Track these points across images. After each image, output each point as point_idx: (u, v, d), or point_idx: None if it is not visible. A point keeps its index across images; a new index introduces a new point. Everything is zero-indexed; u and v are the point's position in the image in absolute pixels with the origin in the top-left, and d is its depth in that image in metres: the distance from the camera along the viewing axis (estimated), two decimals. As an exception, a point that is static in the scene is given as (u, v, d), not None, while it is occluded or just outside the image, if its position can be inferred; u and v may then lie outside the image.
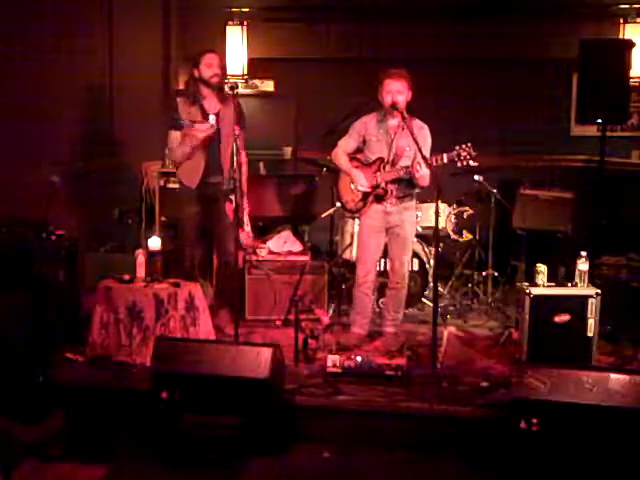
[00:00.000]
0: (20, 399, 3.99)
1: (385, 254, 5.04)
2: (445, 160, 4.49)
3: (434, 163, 4.51)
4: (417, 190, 4.87)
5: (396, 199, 4.80)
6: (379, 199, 4.81)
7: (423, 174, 4.57)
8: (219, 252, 5.10)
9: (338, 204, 5.20)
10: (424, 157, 4.49)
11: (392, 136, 4.75)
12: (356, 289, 4.97)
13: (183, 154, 4.81)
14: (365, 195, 4.83)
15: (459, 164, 4.50)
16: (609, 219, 5.94)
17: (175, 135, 4.82)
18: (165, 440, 3.83)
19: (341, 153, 4.88)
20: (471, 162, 4.49)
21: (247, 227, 5.00)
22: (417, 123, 4.69)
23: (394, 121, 4.74)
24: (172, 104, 4.88)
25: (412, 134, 4.49)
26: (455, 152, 4.48)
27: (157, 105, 7.17)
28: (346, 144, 4.88)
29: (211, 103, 4.82)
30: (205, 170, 4.82)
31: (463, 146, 4.47)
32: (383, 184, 4.76)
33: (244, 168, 4.99)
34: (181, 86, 7.38)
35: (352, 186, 4.88)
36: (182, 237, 5.06)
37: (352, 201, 4.90)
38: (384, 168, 4.77)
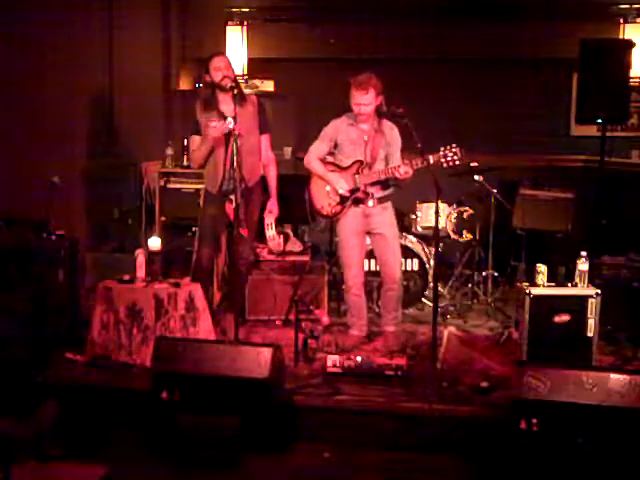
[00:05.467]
0: (20, 399, 3.99)
1: (371, 254, 5.05)
2: (431, 161, 4.45)
3: (419, 165, 4.48)
4: (392, 189, 4.85)
5: (375, 200, 4.79)
6: (358, 202, 4.79)
7: (408, 175, 4.56)
8: (233, 257, 5.07)
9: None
10: (411, 160, 4.50)
11: (366, 139, 4.74)
12: (347, 292, 4.94)
13: (200, 156, 4.83)
14: (343, 199, 4.80)
15: (445, 165, 4.46)
16: (609, 219, 5.94)
17: (196, 139, 4.85)
18: (165, 440, 3.83)
19: (314, 158, 4.84)
20: (457, 162, 4.46)
21: (272, 231, 4.98)
22: (387, 124, 4.69)
23: (365, 125, 4.73)
24: (192, 110, 4.89)
25: (386, 136, 4.55)
26: (441, 153, 4.44)
27: (157, 105, 7.19)
28: (318, 149, 4.84)
29: (228, 106, 4.76)
30: (223, 174, 4.83)
31: (448, 147, 4.43)
32: (363, 187, 4.76)
33: (274, 170, 5.02)
34: (182, 86, 7.43)
35: (327, 189, 4.82)
36: (200, 240, 5.07)
37: (329, 205, 4.84)
38: (362, 171, 4.75)
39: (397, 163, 4.67)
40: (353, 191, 4.76)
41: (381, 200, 4.81)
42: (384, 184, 4.77)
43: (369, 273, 5.24)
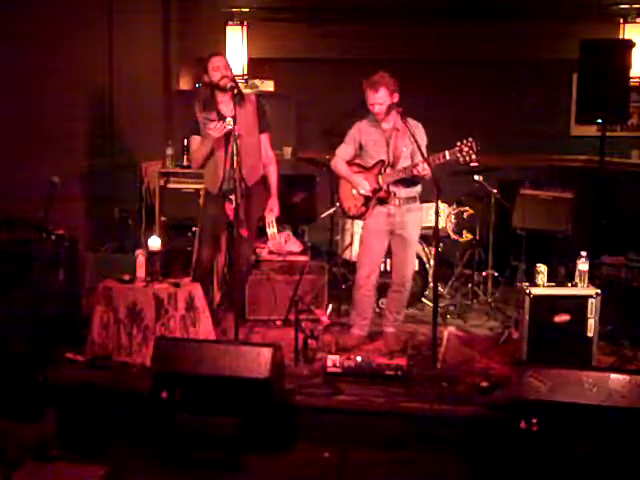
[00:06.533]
0: (20, 399, 3.99)
1: (387, 255, 5.04)
2: (447, 157, 4.47)
3: (436, 162, 4.49)
4: (419, 189, 4.86)
5: (400, 200, 4.79)
6: (382, 202, 4.80)
7: (426, 172, 4.56)
8: (233, 257, 5.07)
9: (338, 205, 5.19)
10: (425, 159, 4.48)
11: (388, 139, 4.75)
12: (357, 291, 4.95)
13: (200, 156, 4.82)
14: (367, 199, 4.82)
15: (461, 160, 4.47)
16: (609, 219, 5.94)
17: (196, 140, 4.84)
18: (165, 440, 3.83)
19: (340, 161, 4.89)
20: (473, 156, 4.45)
21: (273, 229, 4.99)
22: (411, 122, 4.68)
23: (387, 124, 4.74)
24: (191, 110, 4.89)
25: (413, 135, 4.49)
26: (457, 148, 4.44)
27: (157, 105, 7.19)
28: (344, 152, 4.88)
29: (227, 106, 4.76)
30: (224, 174, 4.83)
31: (465, 141, 4.43)
32: (385, 186, 4.76)
33: (274, 169, 5.02)
34: (182, 86, 7.43)
35: (354, 192, 4.87)
36: (200, 240, 5.07)
37: (354, 207, 4.89)
38: (385, 170, 4.77)
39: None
40: (376, 191, 4.77)
41: (407, 201, 4.80)
42: (408, 183, 4.76)
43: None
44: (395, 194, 4.77)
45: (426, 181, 4.68)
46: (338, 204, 5.10)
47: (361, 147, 4.84)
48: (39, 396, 4.05)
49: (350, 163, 4.89)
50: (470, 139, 4.44)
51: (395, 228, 4.83)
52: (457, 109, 6.93)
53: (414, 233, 4.91)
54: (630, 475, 3.43)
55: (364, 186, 4.79)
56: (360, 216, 4.92)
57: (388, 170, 4.76)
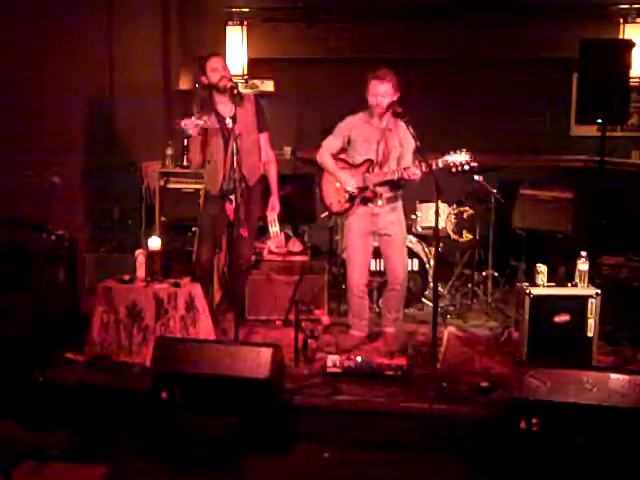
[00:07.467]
0: (22, 401, 4.00)
1: (377, 255, 5.03)
2: (440, 165, 4.45)
3: (427, 168, 4.47)
4: (402, 190, 4.85)
5: (384, 200, 4.78)
6: (366, 201, 4.78)
7: (415, 177, 4.55)
8: (233, 257, 5.08)
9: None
10: (418, 164, 4.47)
11: (380, 138, 4.72)
12: (350, 293, 4.93)
13: (196, 157, 4.83)
14: (352, 197, 4.79)
15: (454, 170, 4.45)
16: (609, 219, 5.94)
17: (195, 141, 4.84)
18: (165, 440, 3.83)
19: (325, 153, 4.82)
20: (466, 167, 4.45)
21: (275, 227, 4.98)
22: (402, 125, 4.63)
23: (380, 123, 4.71)
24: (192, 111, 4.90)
25: (400, 139, 4.47)
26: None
27: (157, 105, 7.19)
28: (330, 144, 4.82)
29: (226, 107, 4.77)
30: (224, 174, 4.83)
31: (457, 152, 4.42)
32: (371, 186, 4.75)
33: (274, 167, 5.02)
34: (182, 86, 7.43)
35: (337, 185, 4.81)
36: (200, 240, 5.07)
37: (338, 202, 4.85)
38: (373, 170, 4.75)
39: (408, 164, 4.64)
40: (362, 190, 4.76)
41: (390, 200, 4.79)
42: (394, 184, 4.74)
43: (370, 273, 5.22)
44: (381, 195, 4.76)
45: (426, 181, 4.67)
46: (320, 199, 4.98)
47: (349, 142, 4.80)
48: (43, 400, 4.04)
49: (335, 158, 4.83)
50: (464, 150, 4.40)
51: (379, 228, 4.81)
52: (457, 109, 6.92)
53: (401, 231, 4.88)
54: (630, 475, 3.43)
55: (351, 184, 4.74)
56: (343, 213, 4.87)
57: (376, 170, 4.73)
